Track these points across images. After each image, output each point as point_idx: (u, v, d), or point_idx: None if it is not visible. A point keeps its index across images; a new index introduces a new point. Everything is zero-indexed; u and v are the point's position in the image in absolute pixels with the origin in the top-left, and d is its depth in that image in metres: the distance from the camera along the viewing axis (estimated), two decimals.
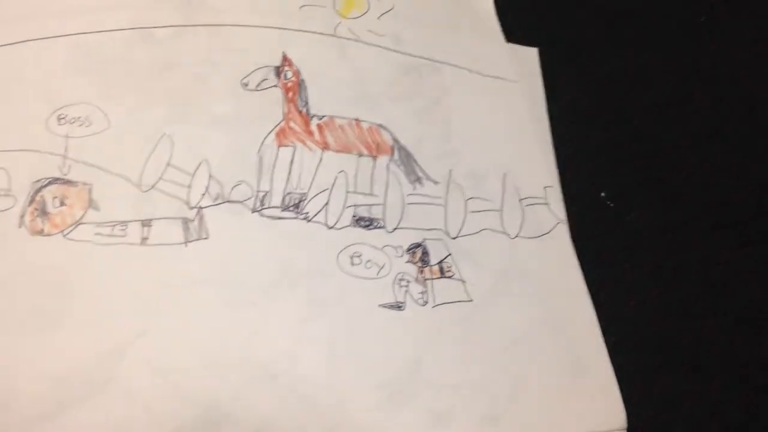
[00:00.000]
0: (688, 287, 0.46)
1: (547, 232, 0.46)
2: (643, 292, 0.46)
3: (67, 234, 0.40)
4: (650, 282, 0.46)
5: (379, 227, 0.44)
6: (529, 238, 0.45)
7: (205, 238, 0.41)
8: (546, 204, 0.47)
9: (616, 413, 0.41)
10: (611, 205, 0.49)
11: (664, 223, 0.48)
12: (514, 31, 0.52)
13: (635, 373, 0.42)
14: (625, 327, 0.44)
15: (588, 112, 0.51)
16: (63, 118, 0.42)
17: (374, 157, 0.45)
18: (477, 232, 0.45)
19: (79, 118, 0.42)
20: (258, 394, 0.38)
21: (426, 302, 0.42)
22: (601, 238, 0.47)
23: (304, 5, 0.49)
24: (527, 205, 0.46)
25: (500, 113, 0.49)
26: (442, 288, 0.43)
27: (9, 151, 0.41)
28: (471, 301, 0.43)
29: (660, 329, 0.45)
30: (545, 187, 0.47)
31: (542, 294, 0.43)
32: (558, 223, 0.46)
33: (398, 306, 0.42)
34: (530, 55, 0.52)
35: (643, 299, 0.46)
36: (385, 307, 0.42)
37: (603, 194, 0.49)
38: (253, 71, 0.45)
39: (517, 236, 0.45)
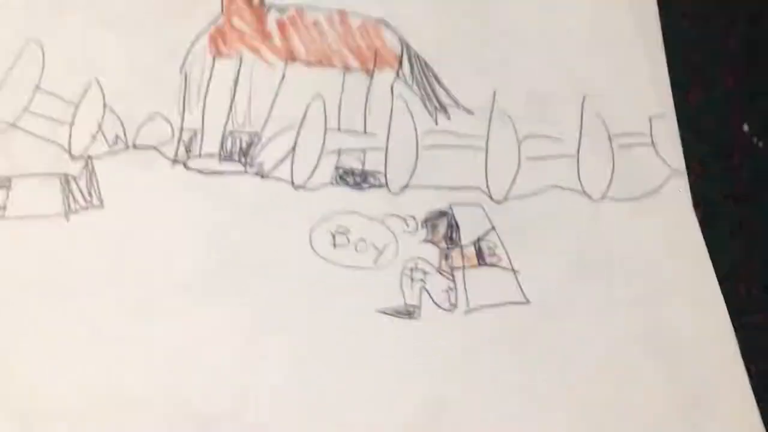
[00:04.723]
0: None
1: (654, 191, 0.37)
2: None
3: None
4: None
5: (378, 186, 0.35)
6: (624, 200, 0.36)
7: (97, 206, 0.33)
8: (652, 145, 0.37)
9: None
10: (760, 144, 0.39)
11: None
12: None
13: None
14: None
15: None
16: None
17: (371, 72, 0.37)
18: (539, 193, 0.36)
19: None
20: None
21: (454, 305, 0.34)
22: (744, 195, 0.38)
23: None
24: (621, 147, 0.37)
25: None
26: (480, 282, 0.34)
27: None
28: (528, 303, 0.34)
29: None
30: (651, 118, 0.38)
31: (643, 288, 0.35)
32: (671, 175, 0.37)
33: (409, 312, 0.34)
34: None
35: None
36: (387, 314, 0.34)
37: (746, 128, 0.39)
38: None
39: (604, 197, 0.36)
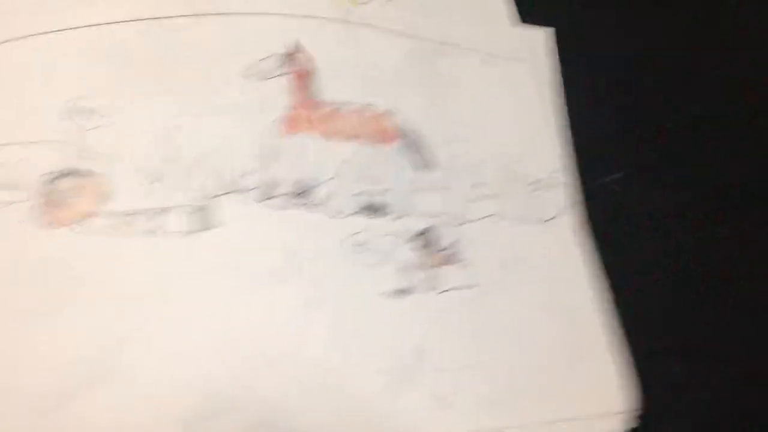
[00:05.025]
0: (702, 270, 0.47)
1: (553, 218, 0.46)
2: (654, 275, 0.46)
3: (79, 225, 0.40)
4: (663, 265, 0.47)
5: (385, 214, 0.44)
6: (534, 223, 0.46)
7: (213, 228, 0.42)
8: (552, 188, 0.47)
9: (617, 396, 0.42)
10: (617, 189, 0.49)
11: (677, 204, 0.49)
12: (528, 12, 0.52)
13: (646, 359, 0.43)
14: (637, 312, 0.44)
15: (600, 96, 0.51)
16: (75, 108, 0.42)
17: (381, 144, 0.46)
18: (482, 218, 0.45)
19: (92, 108, 0.43)
20: (262, 380, 0.39)
21: (431, 288, 0.43)
22: (613, 221, 0.48)
23: None
24: (533, 190, 0.47)
25: (509, 96, 0.49)
26: (446, 274, 0.44)
27: (22, 143, 0.42)
28: (476, 286, 0.44)
29: (673, 313, 0.45)
30: (552, 171, 0.48)
31: (546, 280, 0.45)
32: (564, 207, 0.47)
33: (403, 292, 0.43)
34: (542, 35, 0.52)
35: (655, 282, 0.46)
36: (389, 293, 0.43)
37: (611, 177, 0.49)
38: (262, 59, 0.46)
39: (522, 222, 0.46)
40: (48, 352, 0.37)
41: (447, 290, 0.43)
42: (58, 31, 0.44)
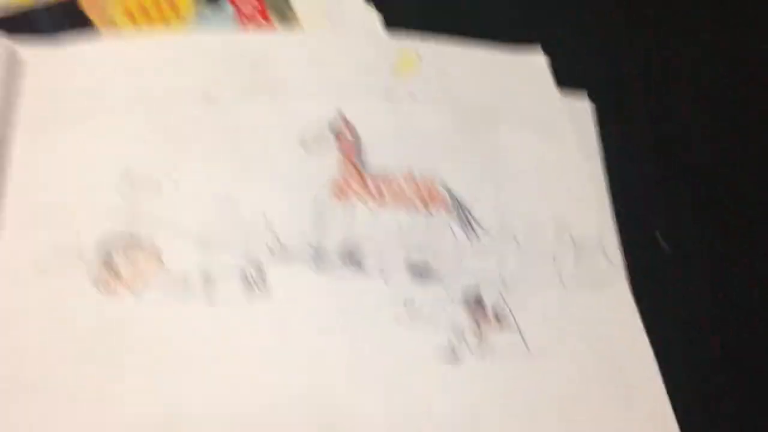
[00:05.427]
0: (749, 332, 0.47)
1: (603, 280, 0.46)
2: (703, 334, 0.46)
3: (136, 293, 0.41)
4: (710, 323, 0.47)
5: (435, 280, 0.45)
6: (585, 287, 0.46)
7: (266, 294, 0.43)
8: (602, 251, 0.47)
9: None
10: (666, 248, 0.49)
11: (725, 262, 0.49)
12: (566, 81, 0.53)
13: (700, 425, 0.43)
14: (689, 372, 0.44)
15: (642, 158, 0.52)
16: (133, 180, 0.44)
17: (429, 210, 0.47)
18: (532, 281, 0.46)
19: (149, 179, 0.44)
20: None
21: (483, 353, 0.43)
22: (660, 280, 0.48)
23: (360, 67, 0.51)
24: (582, 253, 0.47)
25: (553, 162, 0.50)
26: (498, 340, 0.44)
27: (82, 212, 0.43)
28: (527, 352, 0.44)
29: (723, 375, 0.45)
30: (600, 235, 0.48)
31: (598, 346, 0.44)
32: (614, 269, 0.47)
33: (455, 358, 0.43)
34: (583, 105, 0.53)
35: (704, 341, 0.46)
36: (441, 359, 0.43)
37: (658, 233, 0.50)
38: (311, 131, 0.48)
39: (572, 285, 0.46)
40: (106, 418, 0.38)
41: (499, 356, 0.43)
42: (118, 102, 0.47)
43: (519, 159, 0.50)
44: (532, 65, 0.54)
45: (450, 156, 0.49)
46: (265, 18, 0.53)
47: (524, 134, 0.50)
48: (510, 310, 0.45)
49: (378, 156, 0.48)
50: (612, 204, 0.49)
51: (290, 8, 0.53)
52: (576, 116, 0.52)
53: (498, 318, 0.44)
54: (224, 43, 0.51)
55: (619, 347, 0.45)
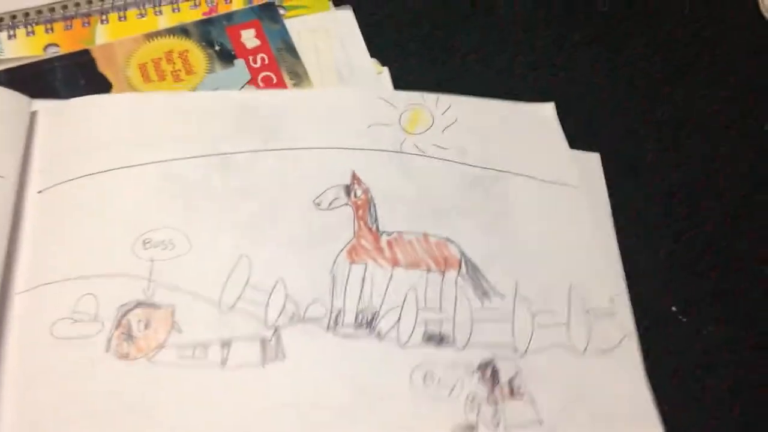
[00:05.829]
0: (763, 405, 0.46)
1: (616, 346, 0.46)
2: (722, 411, 0.46)
3: (152, 357, 0.41)
4: (729, 400, 0.46)
5: (450, 344, 0.44)
6: (597, 353, 0.45)
7: (282, 359, 0.42)
8: (613, 315, 0.47)
9: None
10: (683, 319, 0.49)
11: (742, 338, 0.48)
12: (577, 139, 0.54)
13: None
14: None
15: (653, 221, 0.52)
16: (147, 242, 0.44)
17: (443, 272, 0.47)
18: (546, 348, 0.45)
19: (163, 241, 0.44)
20: None
21: (497, 424, 0.43)
22: (676, 353, 0.47)
23: (371, 125, 0.51)
24: (595, 318, 0.46)
25: (565, 221, 0.50)
26: (512, 410, 0.43)
27: (96, 276, 0.43)
28: (542, 423, 0.43)
29: None
30: (612, 298, 0.47)
31: (612, 414, 0.44)
32: (625, 336, 0.46)
33: (471, 429, 0.42)
34: (593, 160, 0.53)
35: (723, 419, 0.45)
36: (457, 429, 0.42)
37: (674, 308, 0.49)
38: (324, 191, 0.48)
39: (585, 351, 0.45)
40: None
41: (513, 426, 0.43)
42: (133, 166, 0.47)
43: (530, 217, 0.49)
44: (541, 116, 0.54)
45: (461, 215, 0.49)
46: (278, 76, 0.53)
47: (535, 191, 0.50)
48: (522, 378, 0.44)
49: (390, 215, 0.48)
50: (625, 269, 0.49)
51: (302, 67, 0.54)
52: (586, 170, 0.52)
53: (512, 387, 0.44)
54: (237, 101, 0.51)
55: (629, 418, 0.44)
